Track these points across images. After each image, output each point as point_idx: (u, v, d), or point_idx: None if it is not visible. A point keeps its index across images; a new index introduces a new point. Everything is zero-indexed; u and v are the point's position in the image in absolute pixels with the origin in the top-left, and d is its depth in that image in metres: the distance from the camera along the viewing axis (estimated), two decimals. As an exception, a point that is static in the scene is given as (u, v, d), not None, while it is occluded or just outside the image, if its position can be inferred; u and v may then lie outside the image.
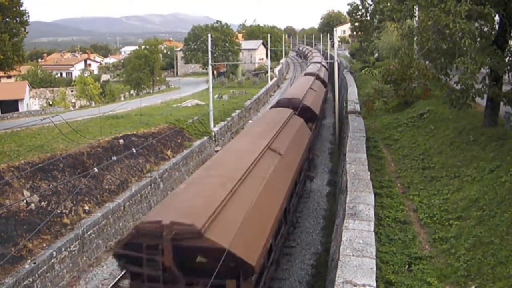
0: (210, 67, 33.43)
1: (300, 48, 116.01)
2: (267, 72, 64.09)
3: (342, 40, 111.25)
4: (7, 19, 26.97)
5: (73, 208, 17.17)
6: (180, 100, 45.10)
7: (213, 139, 30.87)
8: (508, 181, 13.23)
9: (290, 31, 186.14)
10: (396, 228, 13.32)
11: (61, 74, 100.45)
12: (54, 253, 14.76)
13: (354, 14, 62.94)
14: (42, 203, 16.35)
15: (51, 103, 68.84)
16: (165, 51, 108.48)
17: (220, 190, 10.54)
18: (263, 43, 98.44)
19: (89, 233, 16.78)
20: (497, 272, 9.90)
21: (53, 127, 21.60)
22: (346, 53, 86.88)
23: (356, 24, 64.17)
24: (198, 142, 28.44)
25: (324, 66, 56.27)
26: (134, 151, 20.65)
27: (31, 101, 66.40)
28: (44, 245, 14.94)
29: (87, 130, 24.37)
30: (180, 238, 8.76)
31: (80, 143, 20.55)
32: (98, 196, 18.74)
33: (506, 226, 11.27)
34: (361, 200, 11.78)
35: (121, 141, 22.98)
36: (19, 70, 44.48)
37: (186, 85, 69.07)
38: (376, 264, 8.75)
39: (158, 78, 75.54)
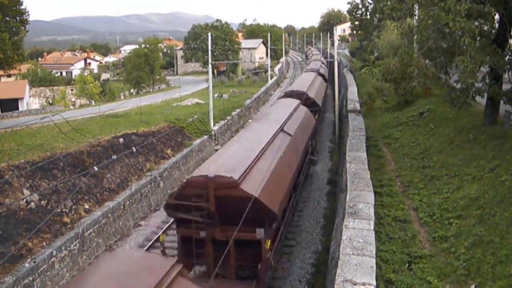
0: (210, 66, 33.40)
1: (308, 53, 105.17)
2: (267, 71, 64.03)
3: (342, 39, 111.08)
4: (7, 18, 26.96)
5: (73, 207, 17.17)
6: (180, 99, 45.11)
7: (213, 138, 30.87)
8: (508, 180, 13.23)
9: (290, 30, 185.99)
10: (396, 227, 13.32)
11: (61, 73, 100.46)
12: (54, 252, 14.76)
13: (354, 13, 62.67)
14: (42, 202, 16.35)
15: (51, 102, 68.88)
16: (165, 50, 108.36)
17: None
18: (263, 42, 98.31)
19: (89, 232, 16.78)
20: (497, 271, 9.91)
21: (53, 126, 21.59)
22: (346, 52, 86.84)
23: (356, 23, 63.87)
24: (198, 141, 28.44)
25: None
26: (134, 150, 20.64)
27: (31, 100, 66.37)
28: (44, 244, 14.94)
29: (87, 129, 24.36)
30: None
31: (80, 142, 20.55)
32: (98, 195, 18.74)
33: (506, 225, 11.27)
34: (361, 199, 11.78)
35: (121, 140, 22.98)
36: (19, 69, 44.43)
37: (186, 84, 69.08)
38: (376, 263, 8.75)
39: (158, 77, 75.53)
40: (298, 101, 24.15)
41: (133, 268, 6.65)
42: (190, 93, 54.97)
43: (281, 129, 17.04)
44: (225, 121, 34.32)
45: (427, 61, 24.51)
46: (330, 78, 49.34)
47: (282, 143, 15.71)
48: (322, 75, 44.30)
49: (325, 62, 60.43)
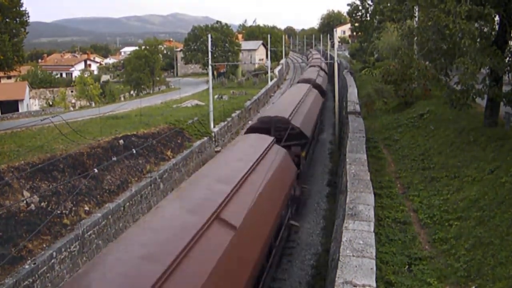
0: (210, 67, 33.43)
1: (308, 56, 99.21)
2: (267, 72, 64.12)
3: (342, 40, 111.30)
4: (7, 20, 27.02)
5: (73, 208, 17.16)
6: (180, 100, 45.14)
7: (213, 139, 30.88)
8: (508, 181, 13.23)
9: (290, 32, 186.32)
10: (396, 228, 13.31)
11: (61, 74, 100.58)
12: (54, 253, 14.75)
13: (354, 15, 63.12)
14: (42, 204, 16.34)
15: (51, 103, 68.97)
16: (165, 52, 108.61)
17: None
18: (263, 44, 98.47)
19: (89, 233, 16.77)
20: (497, 272, 9.90)
21: (53, 128, 21.60)
22: (346, 53, 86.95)
23: (356, 24, 64.36)
24: (198, 142, 28.45)
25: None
26: (134, 151, 20.64)
27: (31, 102, 66.45)
28: (44, 245, 14.94)
29: (87, 130, 24.36)
30: None
31: (80, 143, 20.55)
32: (98, 196, 18.73)
33: (506, 226, 11.26)
34: (361, 200, 11.77)
35: (121, 141, 22.98)
36: (19, 71, 44.57)
37: (186, 85, 69.14)
38: (376, 265, 8.74)
39: (158, 78, 75.66)
40: (271, 139, 15.94)
41: None
42: (190, 94, 55.02)
43: (216, 217, 9.03)
44: (225, 122, 34.34)
45: (427, 62, 24.54)
46: (330, 82, 48.67)
47: (211, 250, 8.02)
48: (319, 87, 35.83)
49: (325, 69, 55.09)
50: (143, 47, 77.09)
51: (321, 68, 50.89)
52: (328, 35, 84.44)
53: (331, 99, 41.93)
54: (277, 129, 18.50)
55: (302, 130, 19.69)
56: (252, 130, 18.99)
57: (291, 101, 24.73)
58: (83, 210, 17.50)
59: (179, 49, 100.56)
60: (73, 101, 71.57)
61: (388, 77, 30.13)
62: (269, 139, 16.00)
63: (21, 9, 28.02)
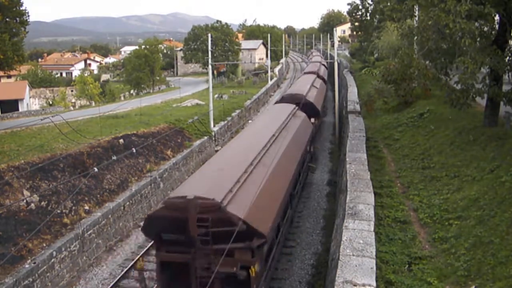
0: (210, 67, 33.43)
1: (309, 56, 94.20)
2: (267, 72, 64.13)
3: (342, 40, 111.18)
4: (7, 19, 27.00)
5: (73, 208, 17.17)
6: (180, 99, 45.12)
7: (213, 138, 30.88)
8: (508, 181, 13.23)
9: (290, 31, 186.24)
10: (396, 228, 13.31)
11: (61, 74, 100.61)
12: (54, 253, 14.76)
13: (354, 14, 63.08)
14: (42, 203, 16.34)
15: (51, 103, 68.88)
16: (165, 51, 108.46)
17: None
18: (263, 43, 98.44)
19: (89, 232, 16.78)
20: (497, 272, 9.90)
21: (53, 127, 21.59)
22: (346, 53, 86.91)
23: (356, 24, 64.33)
24: (198, 142, 28.46)
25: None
26: (134, 151, 20.64)
27: (31, 101, 66.42)
28: (44, 245, 14.94)
29: (87, 130, 24.36)
30: None
31: (80, 143, 20.54)
32: (98, 196, 18.73)
33: (506, 226, 11.26)
34: (361, 200, 11.77)
35: (121, 141, 22.98)
36: (19, 70, 44.56)
37: (186, 85, 69.05)
38: (376, 264, 8.75)
39: (158, 78, 75.51)
40: None
41: None
42: (190, 94, 54.99)
43: None
44: (225, 122, 34.35)
45: (427, 62, 24.53)
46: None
47: None
48: (310, 106, 25.96)
49: (325, 75, 46.40)
50: (143, 46, 77.00)
51: (318, 76, 40.28)
52: (328, 34, 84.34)
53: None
54: (201, 221, 10.05)
55: (252, 225, 10.28)
56: (152, 226, 10.80)
57: (244, 150, 14.26)
58: (83, 209, 17.50)
59: (179, 49, 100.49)
60: (73, 100, 71.50)
61: (388, 77, 30.11)
62: None
63: (21, 8, 27.99)
